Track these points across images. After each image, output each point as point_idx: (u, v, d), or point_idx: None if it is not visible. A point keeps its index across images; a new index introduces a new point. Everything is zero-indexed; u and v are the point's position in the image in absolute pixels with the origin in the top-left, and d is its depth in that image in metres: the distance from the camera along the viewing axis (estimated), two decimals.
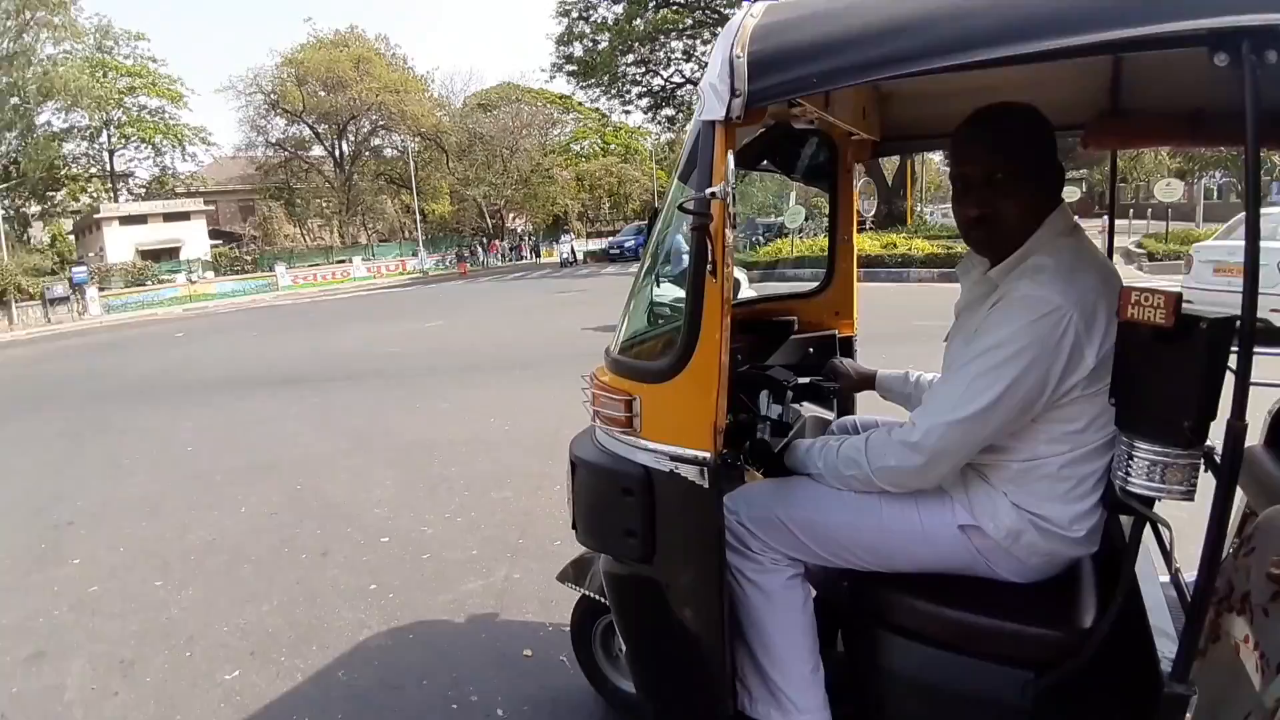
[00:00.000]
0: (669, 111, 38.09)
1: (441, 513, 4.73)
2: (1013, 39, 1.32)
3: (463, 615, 3.43)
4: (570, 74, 38.33)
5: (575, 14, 36.27)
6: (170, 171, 42.10)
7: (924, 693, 1.75)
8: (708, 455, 1.65)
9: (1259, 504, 2.22)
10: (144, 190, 41.74)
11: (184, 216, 36.90)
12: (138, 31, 40.47)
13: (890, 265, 17.97)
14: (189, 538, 4.61)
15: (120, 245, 34.06)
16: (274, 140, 42.38)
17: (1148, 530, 1.57)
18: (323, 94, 40.46)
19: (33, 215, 38.78)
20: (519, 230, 47.94)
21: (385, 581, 3.82)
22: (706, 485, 1.66)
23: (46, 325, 25.13)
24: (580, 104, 45.88)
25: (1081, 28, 1.27)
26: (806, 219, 19.68)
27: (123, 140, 39.58)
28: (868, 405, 2.74)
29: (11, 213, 35.10)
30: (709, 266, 1.58)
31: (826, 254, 2.98)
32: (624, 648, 2.14)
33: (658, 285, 2.11)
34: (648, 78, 38.04)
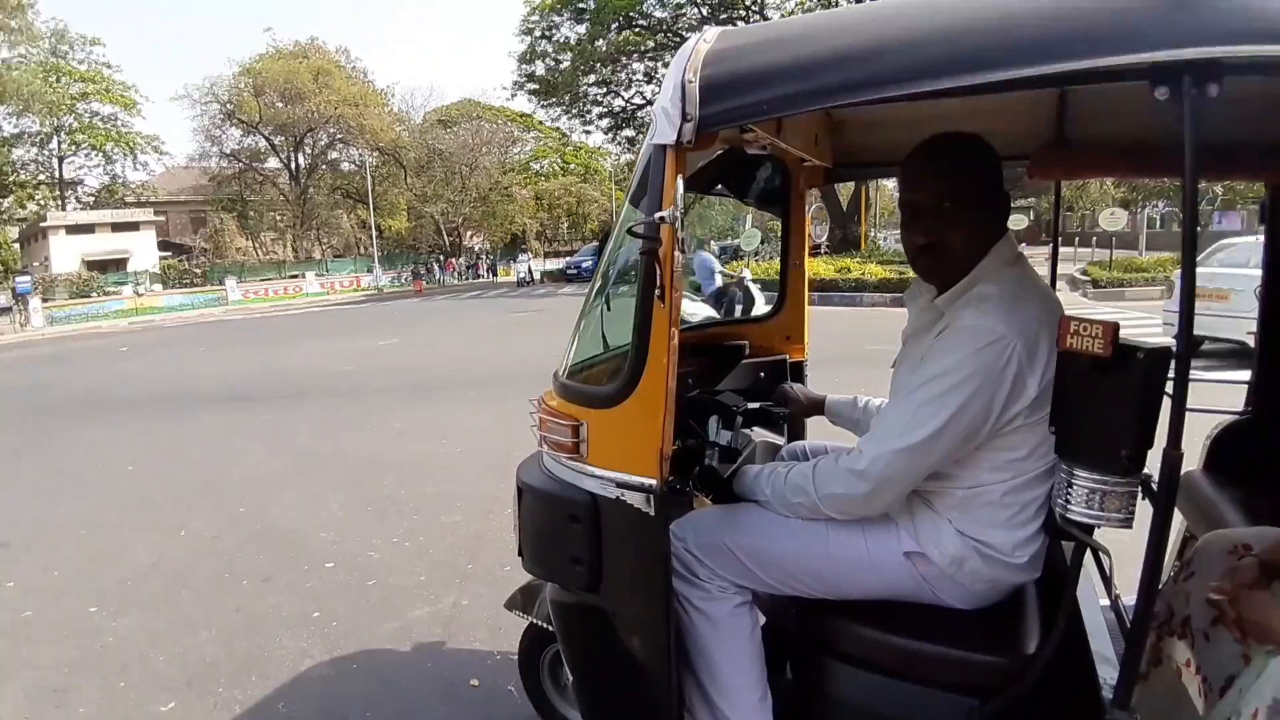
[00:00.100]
0: (629, 132, 38.33)
1: (390, 537, 4.64)
2: (960, 70, 1.33)
3: (409, 643, 3.36)
4: (532, 92, 38.44)
5: (538, 33, 36.40)
6: (120, 180, 41.26)
7: None
8: (654, 482, 1.63)
9: (1198, 528, 2.27)
10: (93, 199, 40.84)
11: (133, 227, 36.11)
12: (93, 36, 39.85)
13: (844, 289, 18.35)
14: (127, 561, 4.47)
15: (66, 255, 33.22)
16: (228, 151, 41.71)
17: (1089, 556, 1.59)
18: (280, 105, 39.99)
19: None
20: (476, 248, 47.76)
21: (329, 608, 3.73)
22: (653, 513, 1.65)
23: None
24: (541, 123, 45.98)
25: (1026, 61, 1.30)
26: (762, 242, 19.90)
27: (73, 147, 38.75)
28: (818, 430, 2.75)
29: None
30: (657, 291, 1.57)
31: (779, 279, 3.00)
32: (571, 677, 2.10)
33: (608, 308, 2.09)
34: (609, 98, 38.30)
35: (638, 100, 37.06)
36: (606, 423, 1.74)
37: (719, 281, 12.13)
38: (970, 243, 1.68)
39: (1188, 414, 1.29)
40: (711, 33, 1.64)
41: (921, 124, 2.04)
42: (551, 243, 50.69)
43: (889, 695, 1.70)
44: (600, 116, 39.27)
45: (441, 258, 42.95)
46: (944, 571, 1.69)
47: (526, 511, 2.00)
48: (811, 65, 1.46)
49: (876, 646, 1.72)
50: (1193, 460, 2.49)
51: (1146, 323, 11.65)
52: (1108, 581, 1.71)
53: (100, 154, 39.50)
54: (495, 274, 42.89)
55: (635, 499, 1.67)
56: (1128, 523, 1.41)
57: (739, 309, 12.00)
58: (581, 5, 33.28)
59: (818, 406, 2.44)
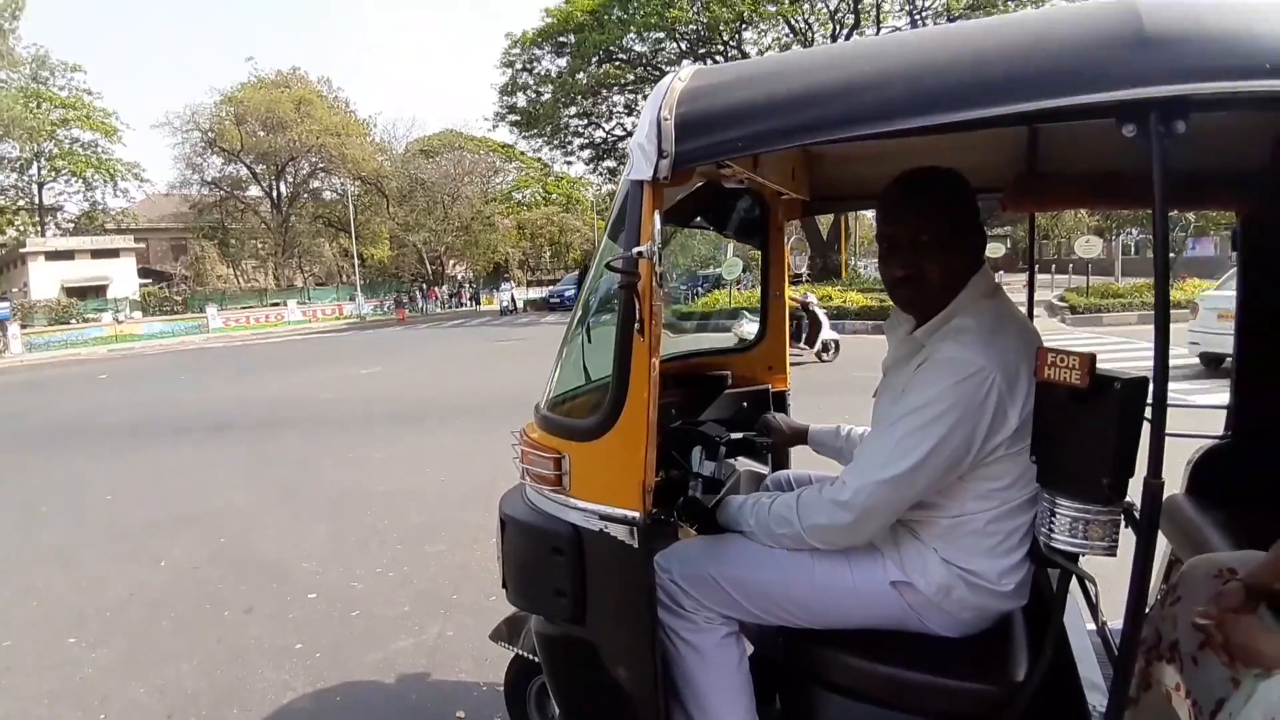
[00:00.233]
0: (610, 163, 38.58)
1: (373, 567, 4.59)
2: (931, 110, 1.36)
3: (393, 675, 3.31)
4: (513, 124, 38.63)
5: (519, 65, 36.68)
6: (100, 207, 41.18)
7: None
8: (637, 515, 1.63)
9: (1183, 553, 2.29)
10: (73, 225, 40.66)
11: (113, 254, 35.93)
12: (74, 63, 39.79)
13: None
14: (106, 592, 4.40)
15: (45, 281, 33.01)
16: (210, 179, 41.64)
17: (1075, 582, 1.59)
18: (262, 134, 40.01)
19: None
20: (459, 277, 47.72)
21: (312, 640, 3.67)
22: (636, 545, 1.64)
23: None
24: (522, 153, 46.24)
25: (996, 100, 1.33)
26: (744, 271, 20.05)
27: (53, 173, 38.69)
28: (802, 459, 2.75)
29: None
30: (636, 325, 1.58)
31: (759, 309, 3.02)
32: (558, 709, 2.08)
33: (588, 340, 2.10)
34: (590, 130, 38.57)
35: (618, 132, 37.35)
36: (588, 455, 1.73)
37: None
38: (947, 275, 1.70)
39: (1169, 439, 1.30)
40: (686, 71, 1.66)
41: (897, 158, 2.07)
42: (534, 271, 50.79)
43: None
44: (581, 147, 39.55)
45: (424, 286, 42.92)
46: (930, 600, 1.69)
47: (510, 544, 1.99)
48: (785, 103, 1.49)
49: (865, 676, 1.71)
50: (1175, 484, 2.51)
51: (1125, 348, 11.81)
52: (1094, 608, 1.71)
53: (80, 180, 39.45)
54: (478, 302, 42.87)
55: (618, 531, 1.66)
56: (1111, 551, 1.41)
57: (804, 333, 12.19)
58: (562, 39, 33.61)
59: (801, 436, 2.45)
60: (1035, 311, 2.40)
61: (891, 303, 1.88)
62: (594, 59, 32.82)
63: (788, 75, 1.56)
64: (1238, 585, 1.51)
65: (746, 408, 2.87)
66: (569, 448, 1.78)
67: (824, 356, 12.42)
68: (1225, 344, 7.86)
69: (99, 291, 33.72)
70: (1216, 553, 1.93)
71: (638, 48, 32.86)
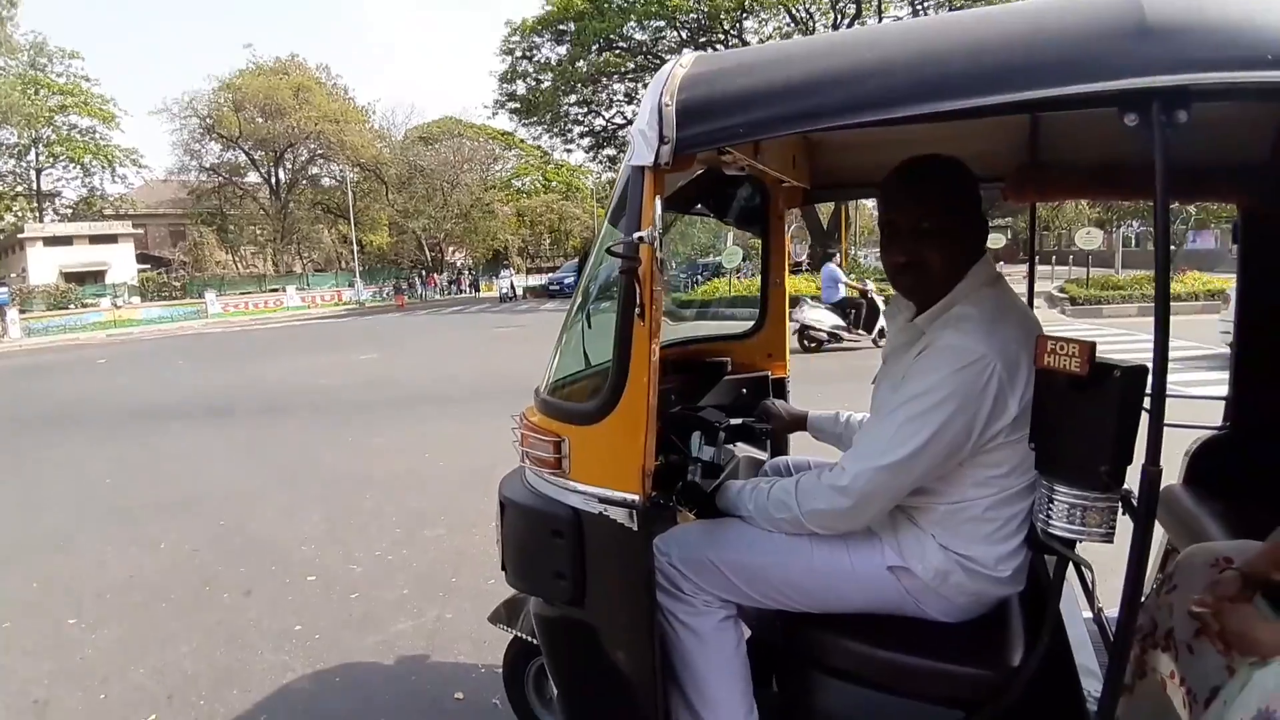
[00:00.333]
0: (610, 151, 38.42)
1: (372, 550, 4.60)
2: (932, 97, 1.36)
3: (392, 657, 3.33)
4: (513, 111, 38.45)
5: (519, 53, 36.47)
6: (99, 193, 41.01)
7: None
8: (636, 498, 1.64)
9: (1180, 542, 2.30)
10: (70, 211, 40.54)
11: (111, 239, 35.88)
12: (72, 49, 39.67)
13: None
14: (106, 575, 4.42)
15: (44, 267, 32.99)
16: (208, 165, 41.55)
17: (1072, 569, 1.60)
18: (260, 120, 39.84)
19: None
20: (458, 264, 47.64)
21: (311, 622, 3.69)
22: (635, 528, 1.65)
23: None
24: (522, 141, 46.01)
25: (997, 88, 1.33)
26: (744, 259, 20.05)
27: (51, 159, 38.50)
28: (800, 446, 2.76)
29: None
30: (637, 310, 1.58)
31: (759, 296, 3.02)
32: (556, 691, 2.09)
33: (589, 325, 2.10)
34: (590, 118, 38.39)
35: (618, 120, 37.19)
36: (588, 439, 1.74)
37: (842, 292, 12.68)
38: (949, 263, 1.70)
39: (1167, 430, 1.31)
40: (688, 57, 1.66)
41: (898, 146, 2.07)
42: (534, 259, 50.66)
43: (874, 708, 1.71)
44: (581, 135, 39.37)
45: (423, 273, 42.87)
46: (928, 585, 1.70)
47: (509, 527, 2.00)
48: (786, 90, 1.49)
49: (862, 660, 1.73)
50: (1173, 475, 2.52)
51: (1125, 339, 11.82)
52: (1090, 595, 1.72)
53: (78, 166, 39.29)
54: (478, 289, 42.83)
55: (618, 514, 1.67)
56: (1108, 537, 1.42)
57: (863, 320, 12.41)
58: (562, 27, 33.41)
59: (800, 422, 2.46)
60: (1035, 302, 2.41)
61: (891, 292, 1.88)
62: (594, 47, 32.65)
63: (790, 62, 1.55)
64: (1234, 574, 1.52)
65: (746, 394, 2.88)
66: (569, 431, 1.79)
67: (879, 342, 12.57)
68: None
69: (97, 277, 33.71)
70: (1213, 542, 1.94)
71: (638, 36, 32.67)
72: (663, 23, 31.05)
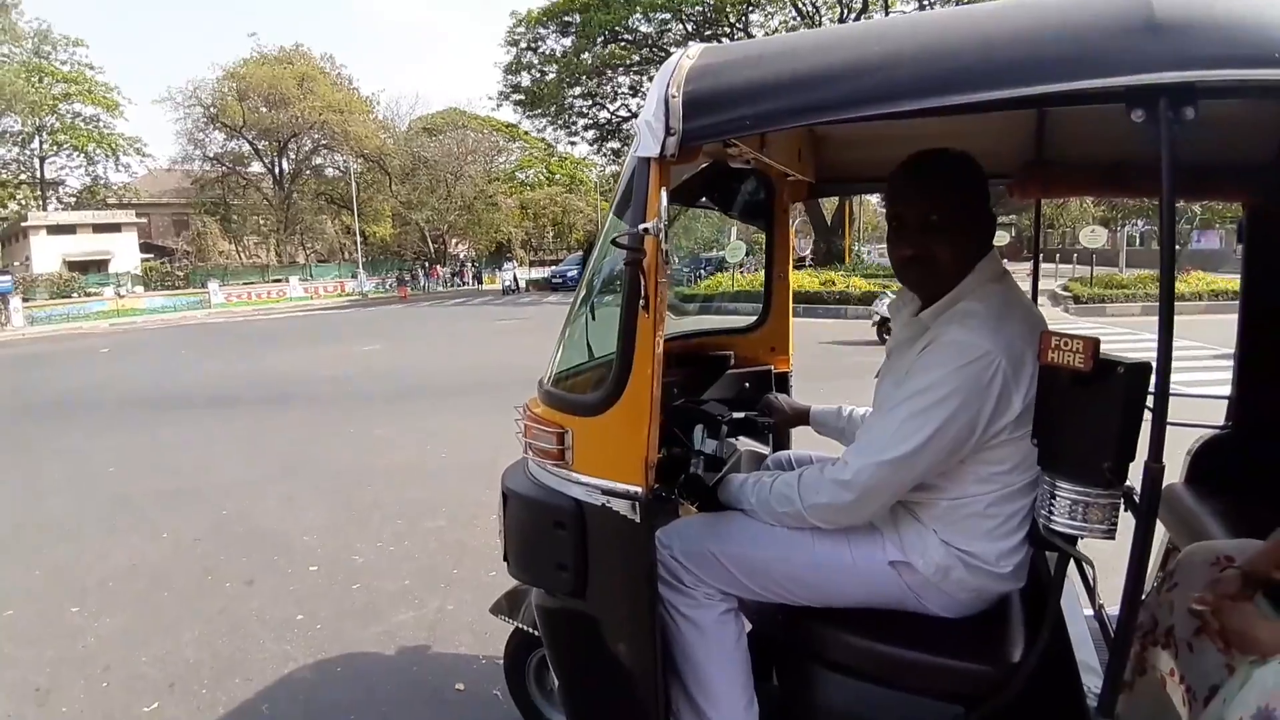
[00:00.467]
0: (614, 144, 38.48)
1: (373, 541, 4.61)
2: (939, 91, 1.36)
3: (393, 647, 3.34)
4: (517, 103, 38.51)
5: (524, 44, 36.49)
6: (102, 181, 40.90)
7: None
8: (639, 490, 1.64)
9: (1181, 540, 2.30)
10: (74, 200, 40.52)
11: (115, 228, 35.83)
12: (76, 37, 39.57)
13: (828, 302, 18.46)
14: (108, 563, 4.43)
15: (47, 255, 32.98)
16: (211, 154, 41.37)
17: (1073, 566, 1.60)
18: (264, 110, 39.75)
19: None
20: (461, 256, 47.62)
21: (313, 612, 3.70)
22: (638, 520, 1.65)
23: None
24: (526, 133, 46.06)
25: (1004, 83, 1.32)
26: (747, 254, 20.03)
27: (55, 147, 38.46)
28: (803, 440, 2.76)
29: None
30: (641, 301, 1.58)
31: (763, 290, 3.02)
32: (557, 682, 2.10)
33: (593, 317, 2.10)
34: (594, 110, 38.41)
35: (623, 113, 37.21)
36: (592, 430, 1.74)
37: None
38: (956, 258, 1.70)
39: (1170, 429, 1.31)
40: (695, 49, 1.65)
41: (904, 141, 2.06)
42: (537, 251, 50.67)
43: (874, 702, 1.71)
44: (585, 128, 39.45)
45: (426, 264, 42.85)
46: (929, 580, 1.70)
47: (512, 517, 2.00)
48: (793, 83, 1.48)
49: (862, 654, 1.73)
50: (1175, 474, 2.52)
51: (1128, 338, 11.79)
52: (1092, 592, 1.73)
53: (82, 155, 39.23)
54: (480, 282, 42.80)
55: (621, 506, 1.67)
56: (1110, 534, 1.42)
57: None
58: (567, 19, 33.40)
59: (802, 416, 2.45)
60: (1039, 301, 2.41)
61: (896, 288, 1.88)
62: (599, 39, 32.67)
63: (797, 55, 1.55)
64: (1235, 573, 1.52)
65: (749, 388, 2.88)
66: (572, 423, 1.79)
67: None
68: None
69: (100, 266, 33.69)
70: (1214, 540, 1.95)
71: (643, 28, 32.68)
72: (668, 15, 31.06)
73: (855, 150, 2.77)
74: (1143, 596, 1.43)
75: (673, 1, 29.11)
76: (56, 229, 34.44)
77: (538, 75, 36.93)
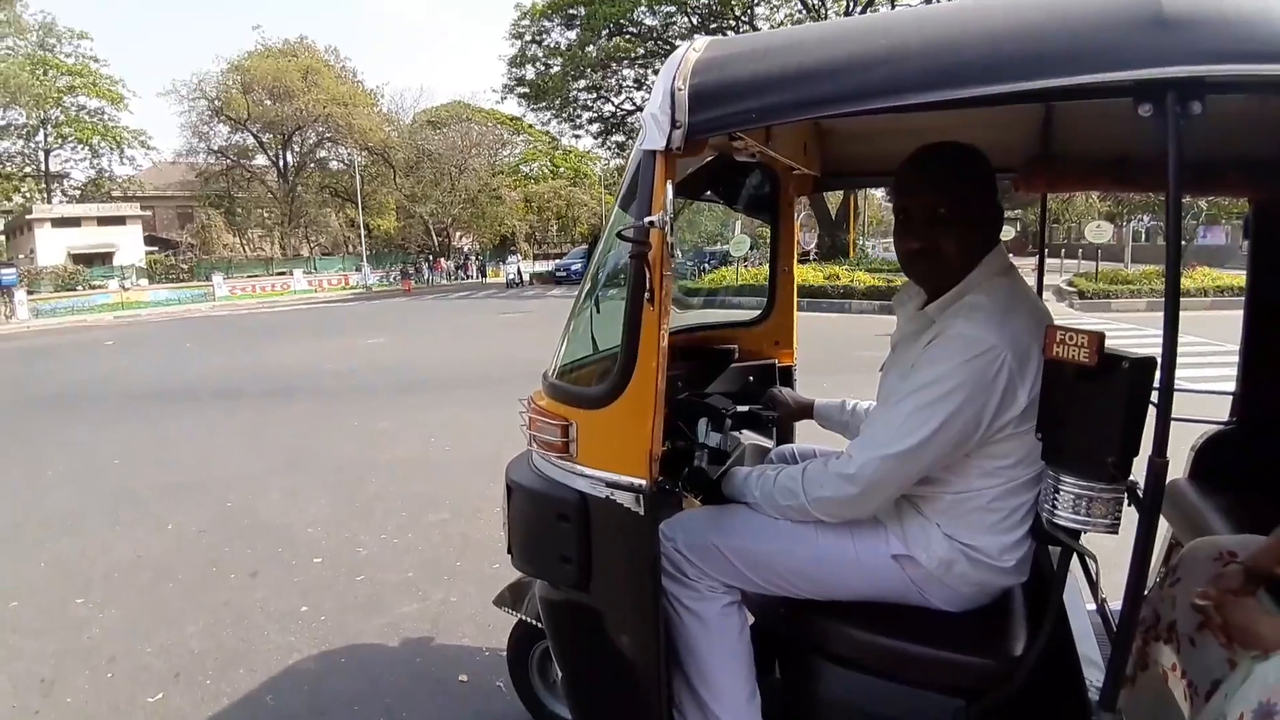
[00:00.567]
0: (619, 138, 38.35)
1: (377, 534, 4.63)
2: (944, 85, 1.35)
3: (397, 639, 3.35)
4: (522, 96, 38.37)
5: (528, 37, 36.38)
6: (107, 174, 41.14)
7: None
8: (643, 482, 1.64)
9: (1184, 535, 2.30)
10: (79, 192, 40.66)
11: (119, 221, 35.97)
12: (80, 30, 39.77)
13: (833, 296, 18.43)
14: (112, 555, 4.45)
15: (52, 248, 33.11)
16: (216, 147, 41.55)
17: (1076, 561, 1.61)
18: (269, 103, 39.83)
19: None
20: (465, 249, 47.64)
21: (317, 603, 3.72)
22: (642, 512, 1.65)
23: None
24: (531, 126, 45.97)
25: (1010, 76, 1.32)
26: (751, 248, 20.02)
27: (59, 140, 38.65)
28: (807, 434, 2.76)
29: None
30: (646, 294, 1.58)
31: (767, 284, 3.02)
32: (560, 674, 2.11)
33: (598, 310, 2.11)
34: (599, 103, 38.28)
35: (628, 106, 37.09)
36: (596, 423, 1.75)
37: None
38: (962, 251, 1.70)
39: (1174, 424, 1.31)
40: (701, 42, 1.65)
41: (909, 136, 2.05)
42: (541, 245, 50.69)
43: (877, 695, 1.72)
44: (590, 121, 39.31)
45: (430, 258, 42.89)
46: (932, 574, 1.70)
47: (516, 510, 2.01)
48: (799, 76, 1.48)
49: (865, 647, 1.73)
50: (1178, 469, 2.52)
51: (1133, 333, 11.76)
52: (1094, 586, 1.73)
53: (87, 148, 39.38)
54: (484, 275, 42.87)
55: (625, 498, 1.67)
56: (1114, 528, 1.42)
57: None
58: (572, 11, 33.30)
59: (806, 410, 2.46)
60: (1044, 296, 2.41)
61: (900, 282, 1.88)
62: (604, 32, 32.54)
63: (803, 48, 1.55)
64: (1238, 568, 1.52)
65: (753, 381, 2.88)
66: (577, 415, 1.79)
67: None
68: None
69: (105, 259, 33.81)
70: (1217, 536, 1.95)
71: (648, 21, 32.57)
72: (673, 8, 30.95)
73: (860, 144, 2.77)
74: (1145, 591, 1.43)
75: None
76: (61, 222, 34.57)
77: (542, 68, 36.82)
